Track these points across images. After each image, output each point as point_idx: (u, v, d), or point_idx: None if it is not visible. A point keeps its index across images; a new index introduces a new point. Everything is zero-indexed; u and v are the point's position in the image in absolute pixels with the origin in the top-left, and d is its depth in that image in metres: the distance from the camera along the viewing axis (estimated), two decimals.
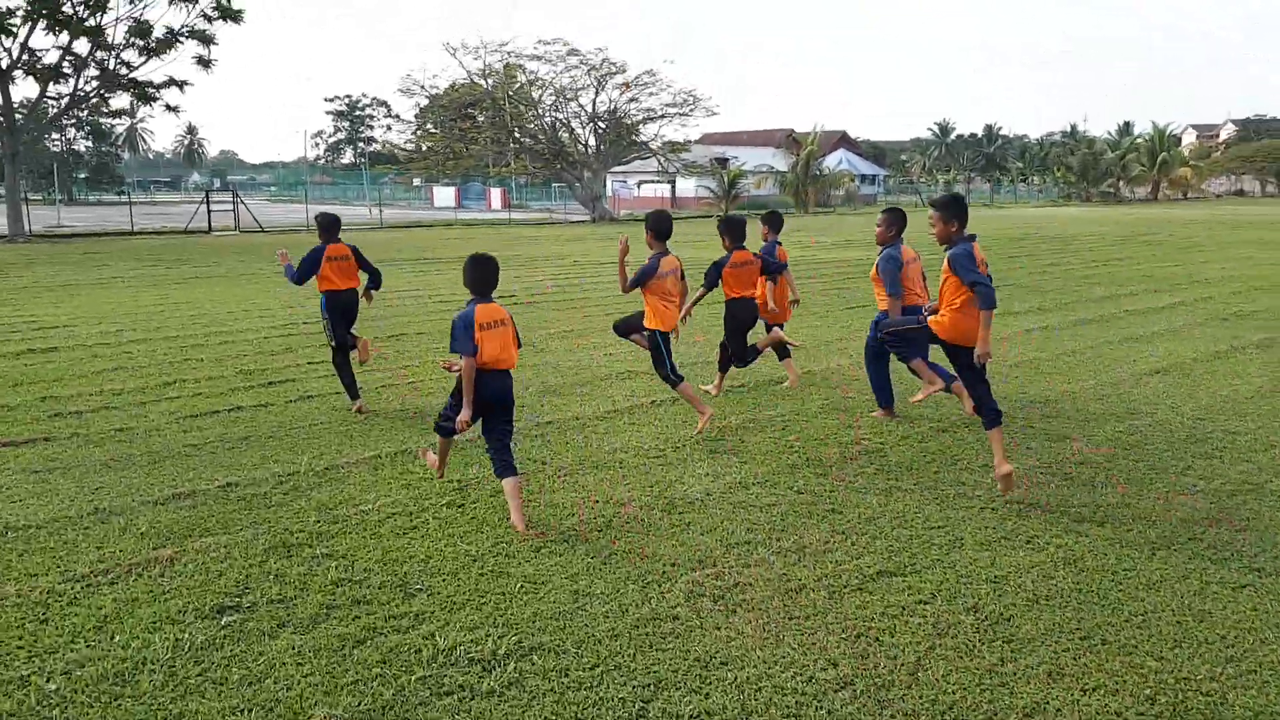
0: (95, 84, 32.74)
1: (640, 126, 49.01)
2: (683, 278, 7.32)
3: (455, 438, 5.75)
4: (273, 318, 13.65)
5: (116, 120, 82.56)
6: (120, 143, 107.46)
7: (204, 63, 33.12)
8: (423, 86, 48.05)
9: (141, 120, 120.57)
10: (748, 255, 8.05)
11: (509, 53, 44.54)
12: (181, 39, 31.61)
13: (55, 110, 34.20)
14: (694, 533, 5.28)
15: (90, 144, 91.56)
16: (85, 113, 42.22)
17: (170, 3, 30.96)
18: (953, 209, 5.93)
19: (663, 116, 48.24)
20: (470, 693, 3.67)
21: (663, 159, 50.10)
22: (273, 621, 4.24)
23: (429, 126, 59.11)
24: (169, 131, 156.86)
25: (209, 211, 38.37)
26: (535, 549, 5.05)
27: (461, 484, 6.12)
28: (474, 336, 5.25)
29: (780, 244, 8.99)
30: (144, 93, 32.43)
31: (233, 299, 15.85)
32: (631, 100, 46.98)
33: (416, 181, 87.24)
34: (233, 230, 37.99)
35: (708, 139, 79.77)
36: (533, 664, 3.87)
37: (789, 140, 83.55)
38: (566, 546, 5.09)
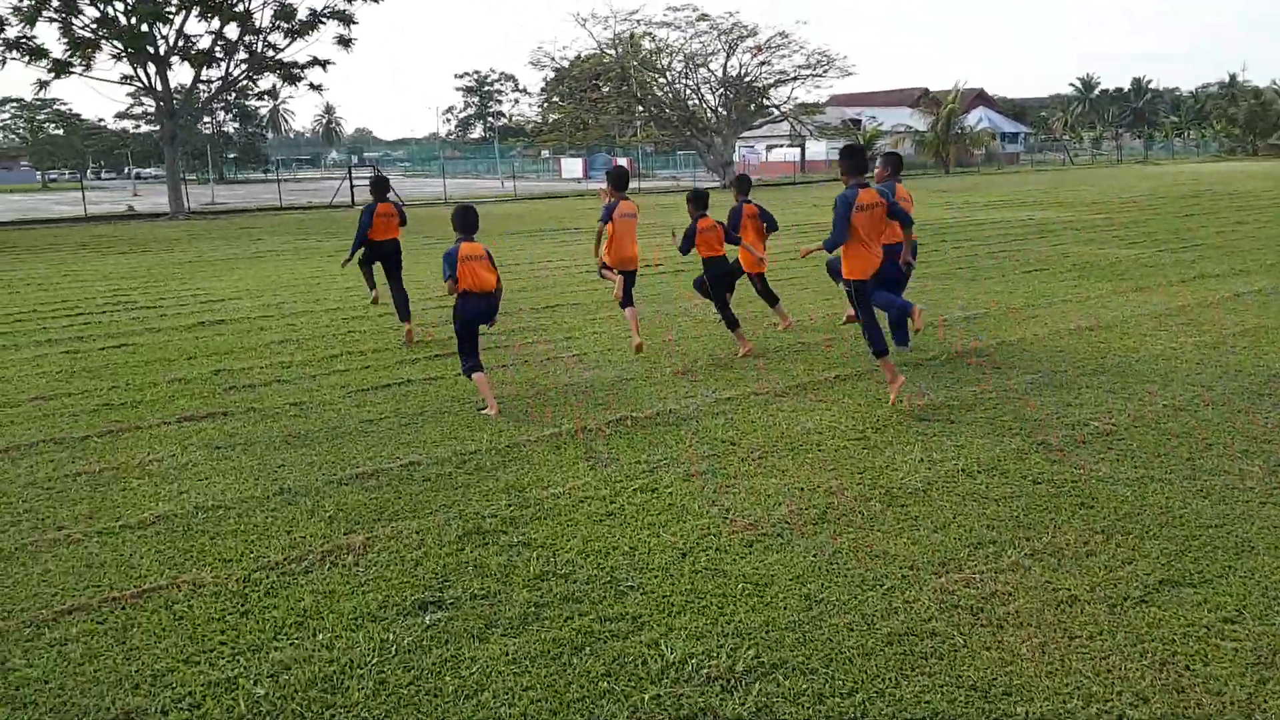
0: (244, 67, 33.87)
1: (771, 90, 47.67)
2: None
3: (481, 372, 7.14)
4: (426, 289, 13.59)
5: (260, 102, 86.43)
6: (264, 124, 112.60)
7: (344, 42, 33.79)
8: (552, 58, 48.02)
9: (283, 101, 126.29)
10: (711, 221, 8.65)
11: (638, 21, 43.89)
12: (324, 20, 32.31)
13: (208, 94, 35.59)
14: (925, 529, 4.67)
15: (238, 125, 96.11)
16: (233, 95, 43.88)
17: None
18: (844, 158, 6.95)
19: (795, 79, 46.75)
20: (714, 718, 3.20)
21: (794, 122, 48.66)
22: (480, 620, 3.88)
23: (554, 99, 59.32)
24: (308, 112, 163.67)
25: (351, 187, 39.37)
26: (747, 543, 4.56)
27: (650, 467, 5.67)
28: (456, 267, 6.84)
29: (749, 202, 9.38)
30: (289, 73, 33.38)
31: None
32: (763, 64, 45.70)
33: (545, 154, 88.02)
34: None
35: (837, 100, 77.20)
36: (779, 685, 3.37)
37: (925, 99, 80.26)
38: (782, 541, 4.57)
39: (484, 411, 6.93)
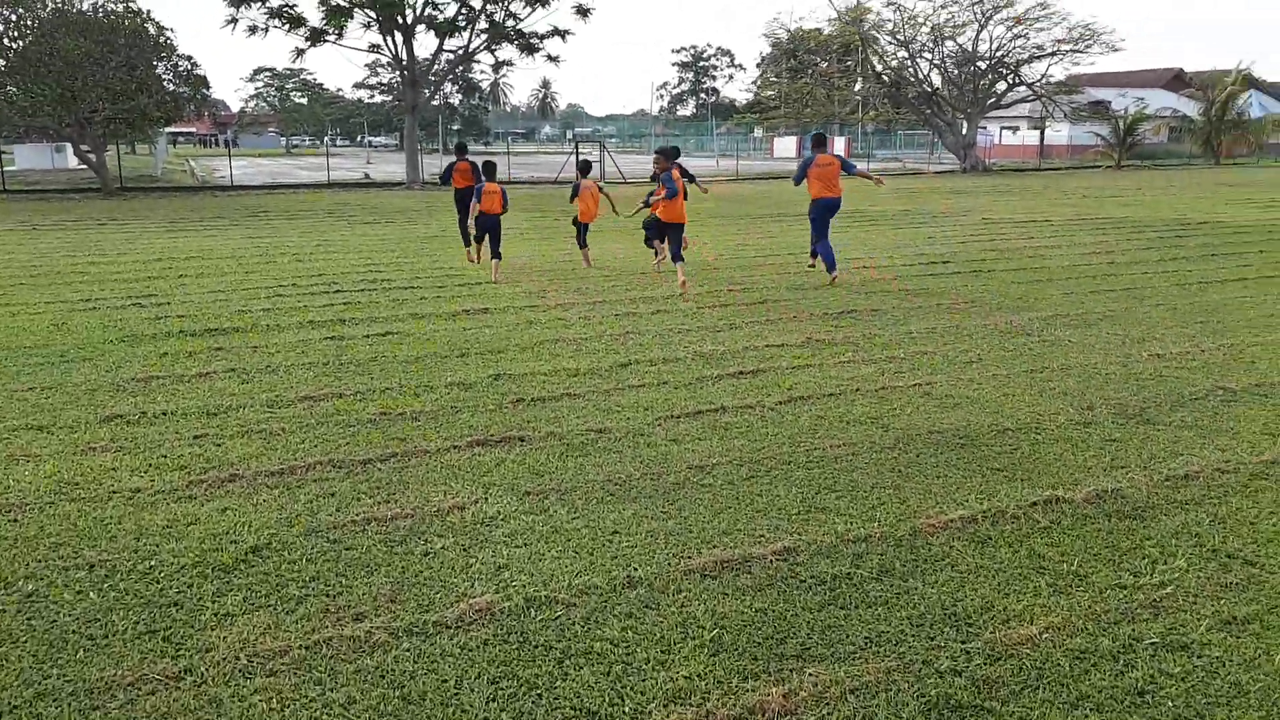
0: (484, 37, 33.82)
1: (1023, 66, 43.56)
2: (601, 191, 13.39)
3: (475, 245, 13.37)
4: (698, 279, 12.18)
5: (483, 75, 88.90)
6: (486, 97, 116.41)
7: (582, 11, 33.09)
8: (788, 30, 45.82)
9: (503, 75, 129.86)
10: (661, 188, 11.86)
11: None
12: None
13: (448, 64, 35.94)
14: None
15: (461, 98, 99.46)
16: (460, 69, 44.31)
17: None
18: (665, 155, 11.65)
19: (1052, 54, 42.46)
20: None
21: (1048, 101, 44.30)
22: None
23: (770, 76, 57.01)
24: (525, 87, 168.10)
25: (577, 164, 38.99)
26: None
27: (1153, 600, 3.87)
28: (480, 198, 12.14)
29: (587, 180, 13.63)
30: (528, 44, 33.03)
31: (640, 255, 14.68)
32: (1018, 37, 41.72)
33: (758, 132, 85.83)
34: (600, 181, 38.34)
35: (1073, 80, 70.58)
36: None
37: (1179, 80, 72.12)
38: None
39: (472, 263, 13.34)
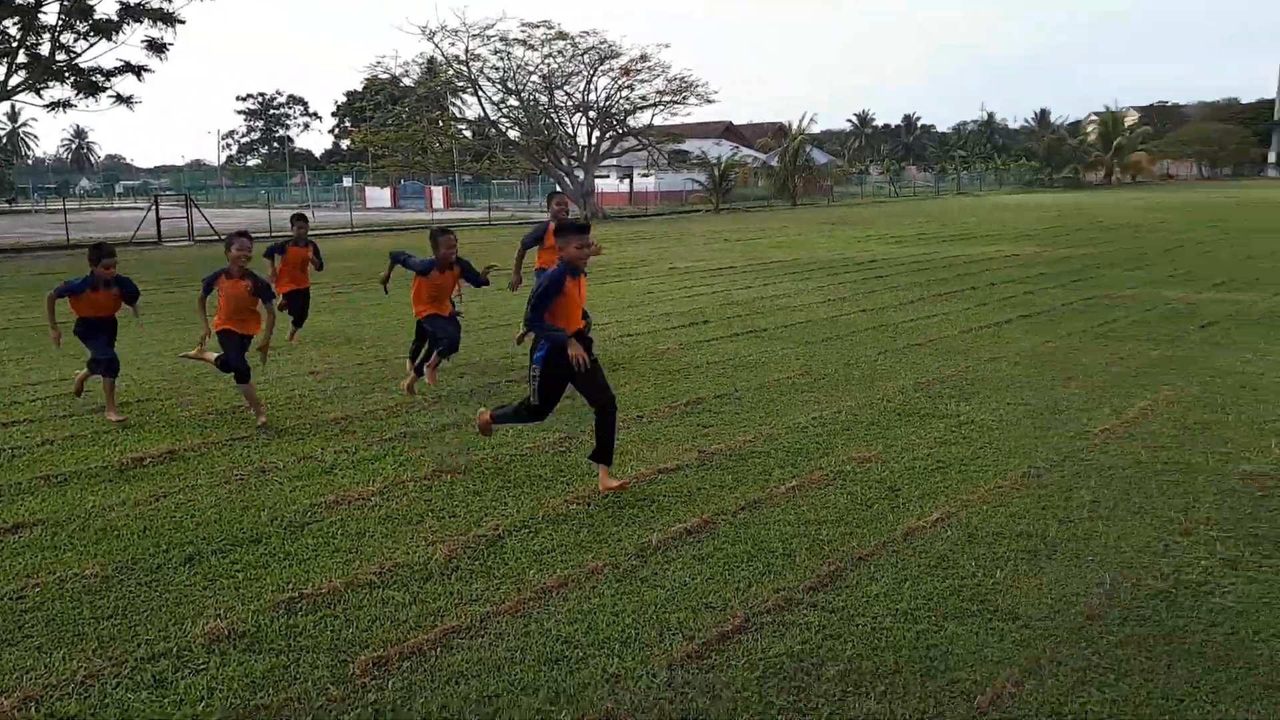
0: (23, 74, 26.96)
1: (629, 116, 44.99)
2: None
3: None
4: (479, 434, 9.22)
5: (13, 123, 74.59)
6: (4, 148, 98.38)
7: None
8: (393, 77, 42.97)
9: (24, 125, 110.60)
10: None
11: (492, 35, 39.75)
12: (137, 19, 26.14)
13: None
14: None
15: None
16: None
17: None
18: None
19: (655, 104, 44.28)
20: None
21: (653, 150, 46.15)
22: None
23: (345, 123, 53.82)
24: (54, 136, 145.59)
25: (158, 219, 32.81)
26: None
27: None
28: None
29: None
30: (90, 82, 26.82)
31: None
32: (622, 88, 42.92)
33: (348, 182, 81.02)
34: (186, 240, 32.65)
35: (649, 131, 75.54)
36: None
37: (728, 133, 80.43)
38: None
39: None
